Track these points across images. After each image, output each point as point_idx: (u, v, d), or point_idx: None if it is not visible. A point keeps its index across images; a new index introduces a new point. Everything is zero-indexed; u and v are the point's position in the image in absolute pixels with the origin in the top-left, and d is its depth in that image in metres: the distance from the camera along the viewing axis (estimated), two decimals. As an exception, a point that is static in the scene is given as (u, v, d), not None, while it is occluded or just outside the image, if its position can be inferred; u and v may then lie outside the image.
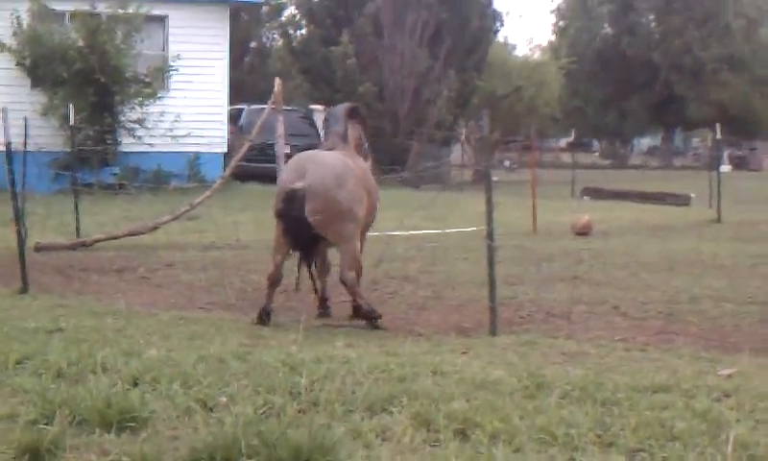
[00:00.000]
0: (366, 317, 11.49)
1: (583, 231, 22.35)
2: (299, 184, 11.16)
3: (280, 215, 11.45)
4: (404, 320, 11.94)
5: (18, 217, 13.79)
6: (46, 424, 5.95)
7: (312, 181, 11.18)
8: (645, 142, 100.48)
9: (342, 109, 12.94)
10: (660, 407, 6.72)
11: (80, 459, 5.63)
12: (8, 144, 13.61)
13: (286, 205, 11.28)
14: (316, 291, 12.26)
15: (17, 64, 30.06)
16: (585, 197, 39.21)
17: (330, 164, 11.52)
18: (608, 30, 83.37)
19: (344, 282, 11.60)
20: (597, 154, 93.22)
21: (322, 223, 11.21)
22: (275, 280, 11.60)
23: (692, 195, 36.67)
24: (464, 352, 9.14)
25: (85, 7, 29.88)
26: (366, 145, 13.00)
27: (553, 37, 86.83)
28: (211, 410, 6.45)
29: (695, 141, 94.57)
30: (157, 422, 6.22)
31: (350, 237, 11.46)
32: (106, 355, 7.80)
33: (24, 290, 13.20)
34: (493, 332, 10.53)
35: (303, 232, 11.32)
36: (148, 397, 6.63)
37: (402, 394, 6.83)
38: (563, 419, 6.31)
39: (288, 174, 11.61)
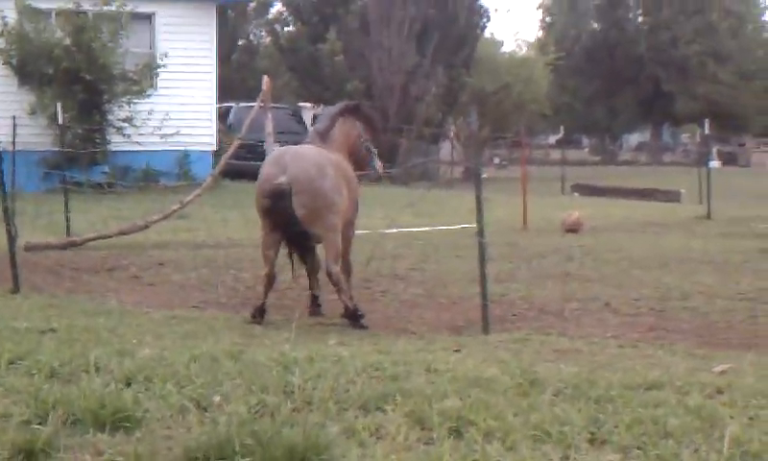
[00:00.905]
0: (349, 315, 11.47)
1: (573, 228, 22.36)
2: (283, 179, 11.13)
3: (267, 212, 11.41)
4: (396, 318, 11.95)
5: (8, 216, 13.76)
6: (40, 425, 5.93)
7: (296, 173, 11.15)
8: (634, 138, 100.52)
9: (335, 108, 13.01)
10: (653, 404, 6.72)
11: (74, 459, 5.61)
12: (-5, 143, 13.59)
13: (273, 200, 11.23)
14: (311, 288, 12.19)
15: (4, 63, 30.00)
16: (575, 193, 39.29)
17: (309, 156, 11.51)
18: (595, 25, 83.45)
19: (329, 276, 11.56)
20: (587, 150, 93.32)
21: (308, 216, 11.18)
22: (270, 279, 11.58)
23: (682, 191, 36.74)
24: (456, 350, 9.14)
25: (70, 5, 29.81)
26: (366, 142, 12.94)
27: (540, 33, 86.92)
28: (205, 410, 6.42)
29: (684, 137, 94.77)
30: (151, 421, 6.20)
31: (334, 229, 11.39)
32: (98, 355, 7.77)
33: (15, 290, 13.16)
34: (486, 330, 10.54)
35: (292, 228, 11.29)
36: (141, 396, 6.61)
37: (396, 392, 6.81)
38: (556, 416, 6.31)
39: (269, 168, 11.49)
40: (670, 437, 5.98)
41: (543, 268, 16.00)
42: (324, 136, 12.30)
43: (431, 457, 5.55)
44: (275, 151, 12.33)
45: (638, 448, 5.83)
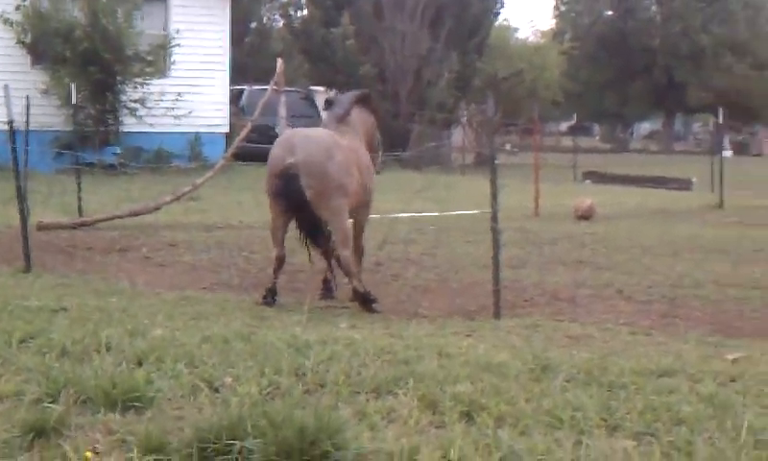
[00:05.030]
0: (361, 299, 11.47)
1: (585, 215, 22.33)
2: (291, 160, 11.13)
3: (276, 193, 11.41)
4: (408, 302, 11.94)
5: (20, 196, 13.75)
6: (51, 403, 5.94)
7: (304, 155, 11.16)
8: (645, 127, 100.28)
9: (350, 95, 13.00)
10: (666, 391, 6.72)
11: (85, 438, 5.61)
12: (10, 122, 13.57)
13: (281, 182, 11.24)
14: (331, 270, 12.16)
15: (17, 42, 30.00)
16: (587, 181, 39.17)
17: (318, 139, 11.53)
18: (609, 13, 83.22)
19: (338, 260, 11.57)
20: (598, 138, 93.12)
21: (315, 198, 11.18)
22: (279, 261, 11.58)
23: (694, 180, 36.66)
24: (468, 335, 9.14)
25: (88, -15, 29.82)
26: (378, 136, 13.00)
27: (554, 21, 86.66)
28: (216, 390, 6.42)
29: (696, 126, 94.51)
30: (162, 401, 6.21)
31: (340, 212, 11.40)
32: (110, 335, 7.79)
33: (27, 269, 13.18)
34: (497, 315, 10.54)
35: (300, 209, 11.29)
36: (153, 376, 6.61)
37: (408, 376, 6.82)
38: (568, 402, 6.30)
39: (278, 150, 11.51)
40: (683, 424, 5.99)
41: (555, 254, 15.98)
42: (341, 121, 12.29)
43: (442, 441, 5.54)
44: (285, 133, 12.33)
45: (651, 435, 5.82)
